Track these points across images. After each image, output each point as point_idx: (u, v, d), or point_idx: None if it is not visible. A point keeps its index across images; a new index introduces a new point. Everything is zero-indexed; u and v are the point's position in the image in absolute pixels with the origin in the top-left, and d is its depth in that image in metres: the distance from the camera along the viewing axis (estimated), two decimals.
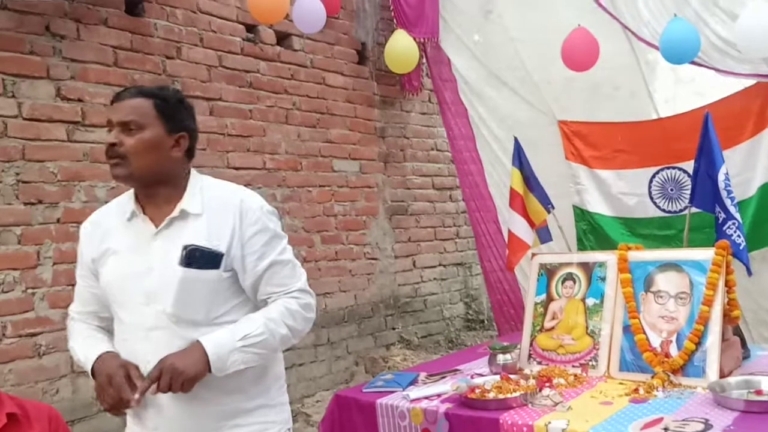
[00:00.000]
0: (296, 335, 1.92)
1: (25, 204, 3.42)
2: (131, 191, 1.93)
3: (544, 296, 3.02)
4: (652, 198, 4.26)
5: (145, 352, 1.80)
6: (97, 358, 1.84)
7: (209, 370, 1.76)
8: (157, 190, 1.87)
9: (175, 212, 1.85)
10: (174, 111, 1.87)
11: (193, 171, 1.96)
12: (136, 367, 1.79)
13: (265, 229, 1.89)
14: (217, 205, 1.88)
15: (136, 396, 1.72)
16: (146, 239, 1.85)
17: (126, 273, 1.85)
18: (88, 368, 1.86)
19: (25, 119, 3.44)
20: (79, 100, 3.65)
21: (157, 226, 1.86)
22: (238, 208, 1.87)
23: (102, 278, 1.91)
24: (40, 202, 3.48)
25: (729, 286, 2.61)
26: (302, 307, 1.92)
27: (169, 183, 1.88)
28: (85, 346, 1.92)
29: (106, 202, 2.09)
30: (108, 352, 1.86)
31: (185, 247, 1.81)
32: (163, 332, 1.81)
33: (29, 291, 3.41)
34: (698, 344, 2.50)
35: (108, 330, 1.98)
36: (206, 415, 1.84)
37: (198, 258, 1.81)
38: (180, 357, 1.74)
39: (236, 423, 1.87)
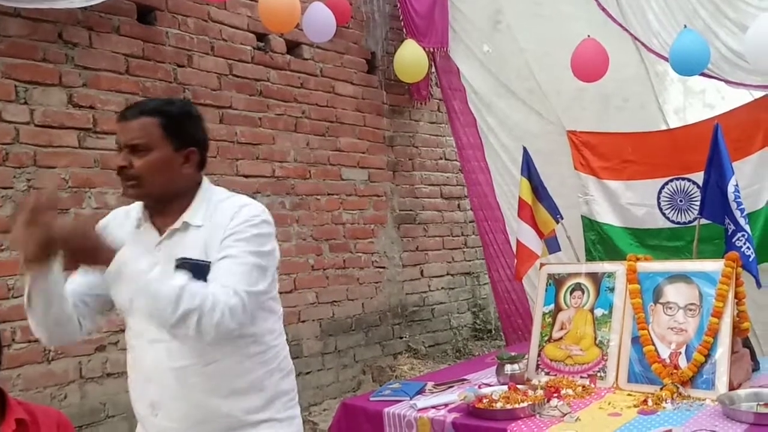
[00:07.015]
0: (191, 319, 1.64)
1: None
2: None
3: (552, 306, 3.02)
4: (661, 209, 4.25)
5: (149, 362, 1.82)
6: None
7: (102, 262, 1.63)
8: (171, 203, 1.86)
9: (177, 224, 1.83)
10: (180, 127, 1.83)
11: (205, 182, 1.93)
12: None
13: (244, 231, 1.79)
14: (220, 216, 1.83)
15: None
16: (150, 249, 1.83)
17: None
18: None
19: (37, 126, 3.47)
20: (91, 107, 3.68)
21: (161, 236, 1.85)
22: (236, 212, 1.82)
23: None
24: None
25: (739, 298, 2.61)
26: (228, 305, 1.67)
27: (182, 196, 1.86)
28: None
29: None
30: None
31: (177, 261, 1.77)
32: (164, 345, 1.78)
33: None
34: (707, 356, 2.49)
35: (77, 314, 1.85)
36: (211, 427, 1.81)
37: (187, 271, 1.73)
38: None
39: None
